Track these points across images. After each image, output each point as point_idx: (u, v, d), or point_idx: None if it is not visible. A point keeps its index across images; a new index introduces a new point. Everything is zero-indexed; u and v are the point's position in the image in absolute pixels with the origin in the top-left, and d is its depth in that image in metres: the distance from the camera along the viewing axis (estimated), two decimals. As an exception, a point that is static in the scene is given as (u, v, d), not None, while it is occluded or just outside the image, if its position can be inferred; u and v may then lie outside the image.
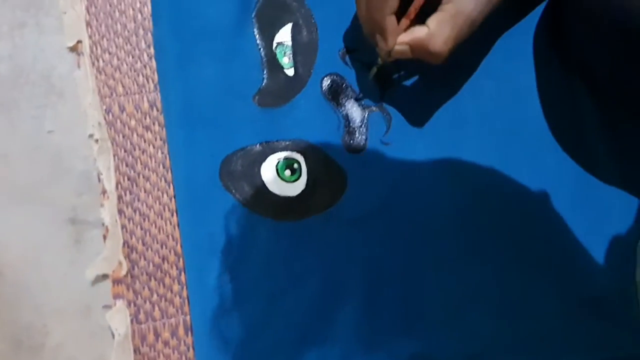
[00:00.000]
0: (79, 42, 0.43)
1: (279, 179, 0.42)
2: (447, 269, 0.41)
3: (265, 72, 0.43)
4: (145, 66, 0.44)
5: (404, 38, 0.37)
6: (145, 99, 0.43)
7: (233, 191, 0.41)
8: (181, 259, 0.42)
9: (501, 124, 0.43)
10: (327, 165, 0.42)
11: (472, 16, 0.36)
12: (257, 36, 0.43)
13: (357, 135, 0.43)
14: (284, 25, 0.43)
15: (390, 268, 0.41)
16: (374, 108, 0.43)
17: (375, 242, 0.41)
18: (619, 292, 0.41)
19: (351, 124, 0.43)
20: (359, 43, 0.43)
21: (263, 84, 0.43)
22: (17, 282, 0.40)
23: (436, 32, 0.36)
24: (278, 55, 0.43)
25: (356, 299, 0.41)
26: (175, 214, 0.42)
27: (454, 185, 0.42)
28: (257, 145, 0.42)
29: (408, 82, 0.43)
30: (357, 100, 0.43)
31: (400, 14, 0.37)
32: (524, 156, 0.42)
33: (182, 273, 0.41)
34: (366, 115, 0.43)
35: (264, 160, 0.42)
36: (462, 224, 0.42)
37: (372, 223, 0.41)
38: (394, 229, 0.41)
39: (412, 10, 0.37)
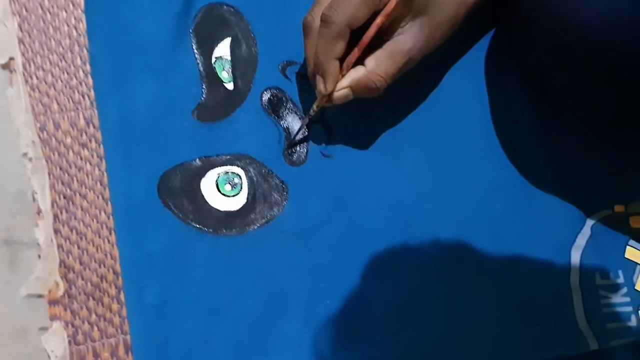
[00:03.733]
0: (11, 59, 0.42)
1: (219, 193, 0.42)
2: (388, 277, 0.41)
3: (204, 86, 0.43)
4: (81, 83, 0.43)
5: (345, 82, 0.38)
6: (81, 116, 0.43)
7: (172, 208, 0.41)
8: (120, 278, 0.41)
9: (439, 132, 0.43)
10: (268, 179, 0.42)
11: (411, 53, 0.38)
12: (196, 51, 0.43)
13: (297, 148, 0.43)
14: (222, 39, 0.43)
15: (331, 279, 0.41)
16: (314, 122, 0.43)
17: (317, 254, 0.41)
18: (555, 296, 0.42)
19: (291, 137, 0.43)
20: (299, 56, 0.43)
21: (202, 98, 0.42)
22: (-52, 306, 0.39)
23: (374, 69, 0.37)
24: (217, 70, 0.43)
25: (298, 311, 0.41)
26: (113, 232, 0.41)
27: (394, 195, 0.43)
28: (197, 160, 0.42)
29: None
30: (300, 117, 0.43)
31: (343, 59, 0.38)
32: (463, 164, 0.43)
33: (122, 292, 0.41)
34: (307, 129, 0.43)
35: (203, 175, 0.42)
36: (402, 231, 0.42)
37: (314, 235, 0.42)
38: (335, 240, 0.42)
39: (352, 57, 0.38)
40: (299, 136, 0.43)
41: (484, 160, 0.43)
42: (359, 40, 0.38)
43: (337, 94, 0.38)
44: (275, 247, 0.41)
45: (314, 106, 0.40)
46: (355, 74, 0.38)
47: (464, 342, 0.41)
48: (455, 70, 0.44)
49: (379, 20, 0.37)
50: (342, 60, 0.38)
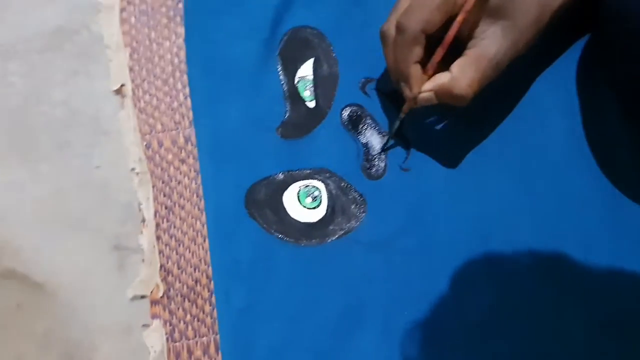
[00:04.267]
0: (123, 85, 0.48)
1: (300, 206, 0.43)
2: (467, 291, 0.41)
3: (287, 105, 0.45)
4: (181, 105, 0.48)
5: (428, 85, 0.38)
6: (181, 134, 0.47)
7: (257, 218, 0.43)
8: (212, 282, 0.44)
9: (523, 145, 0.43)
10: (346, 192, 0.43)
11: (496, 59, 0.37)
12: (281, 72, 0.46)
13: (376, 162, 0.44)
14: (305, 60, 0.46)
15: (408, 291, 0.42)
16: (393, 135, 0.44)
17: (394, 266, 0.42)
18: None
19: (370, 152, 0.44)
20: (378, 73, 0.45)
21: (286, 116, 0.45)
22: (69, 303, 0.45)
23: (459, 76, 0.37)
24: (300, 89, 0.45)
25: (375, 322, 0.41)
26: (206, 239, 0.45)
27: (474, 209, 0.42)
28: (280, 175, 0.44)
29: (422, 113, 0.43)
30: (379, 133, 0.44)
31: (425, 63, 0.38)
32: (548, 177, 0.42)
33: (213, 295, 0.44)
34: (385, 143, 0.44)
35: (286, 188, 0.43)
36: (481, 245, 0.42)
37: (390, 247, 0.42)
38: (412, 252, 0.42)
39: (436, 57, 0.38)
40: (385, 144, 0.44)
41: (572, 173, 0.42)
42: (439, 45, 0.38)
43: (422, 96, 0.38)
44: (353, 258, 0.42)
45: (403, 109, 0.40)
46: (440, 79, 0.38)
47: (547, 360, 0.40)
48: (542, 81, 0.43)
49: (460, 18, 0.37)
50: (425, 64, 0.38)
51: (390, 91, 0.43)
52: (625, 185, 0.41)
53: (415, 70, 0.38)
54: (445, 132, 0.43)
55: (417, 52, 0.37)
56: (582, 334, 0.40)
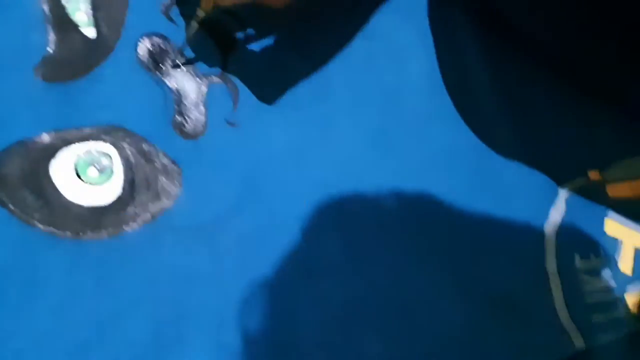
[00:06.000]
0: None
1: (79, 181, 0.35)
2: (322, 282, 0.37)
3: (51, 33, 0.36)
4: None
5: None
6: None
7: (9, 205, 0.34)
8: None
9: (376, 91, 0.39)
10: (151, 159, 0.36)
11: None
12: None
13: (192, 114, 0.37)
14: None
15: (246, 290, 0.36)
16: (214, 78, 0.37)
17: (224, 257, 0.36)
18: (530, 286, 0.38)
19: (183, 101, 0.37)
20: None
21: (49, 49, 0.36)
22: None
23: None
24: (69, 10, 0.36)
25: (202, 337, 0.35)
26: None
27: (322, 172, 0.38)
28: (44, 136, 0.35)
29: (257, 45, 0.38)
30: (187, 63, 0.37)
31: None
32: (408, 129, 0.39)
33: None
34: (204, 88, 0.37)
35: (53, 156, 0.35)
36: (335, 219, 0.37)
37: (219, 232, 0.36)
38: (248, 237, 0.36)
39: None
40: (195, 96, 0.36)
41: (433, 123, 0.39)
42: None
43: None
44: (166, 251, 0.35)
45: (202, 4, 0.34)
46: None
47: (435, 353, 0.37)
48: (391, 14, 0.40)
49: None
50: None
51: (209, 19, 0.36)
52: (493, 138, 0.39)
53: None
54: (281, 76, 0.38)
55: None
56: (460, 320, 0.37)
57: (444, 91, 0.40)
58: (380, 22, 0.39)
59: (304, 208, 0.37)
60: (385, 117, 0.39)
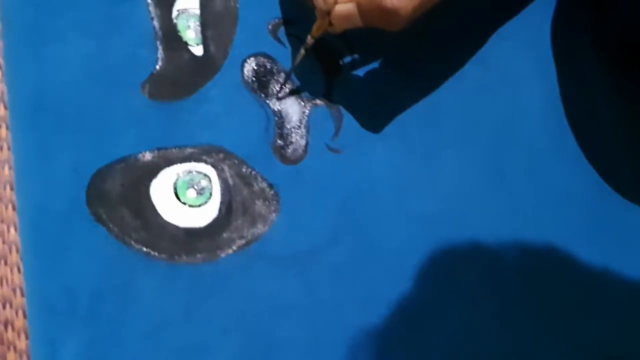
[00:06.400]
0: None
1: (178, 202, 0.33)
2: (423, 323, 0.34)
3: (160, 50, 0.35)
4: None
5: None
6: None
7: (108, 222, 0.33)
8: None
9: (491, 122, 0.37)
10: (250, 182, 0.34)
11: None
12: (150, 1, 0.35)
13: (293, 138, 0.35)
14: None
15: (341, 325, 0.33)
16: (317, 102, 0.36)
17: (319, 289, 0.34)
18: None
19: (286, 124, 0.35)
20: (299, 12, 0.36)
21: (157, 67, 0.35)
22: None
23: None
24: (180, 28, 0.35)
25: None
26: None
27: (426, 204, 0.35)
28: (146, 154, 0.33)
29: (363, 70, 0.37)
30: (292, 91, 0.36)
31: None
32: (522, 164, 0.36)
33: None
34: (307, 112, 0.35)
35: (155, 175, 0.33)
36: (438, 255, 0.35)
37: (314, 262, 0.34)
38: (344, 268, 0.34)
39: None
40: (296, 119, 0.35)
41: (551, 159, 0.36)
42: None
43: (339, 10, 0.31)
44: (258, 280, 0.33)
45: (312, 31, 0.33)
46: None
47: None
48: (508, 40, 0.38)
49: None
50: None
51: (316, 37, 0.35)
52: (619, 180, 0.36)
53: None
54: (387, 102, 0.36)
55: None
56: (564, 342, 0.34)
57: (564, 125, 0.37)
58: (496, 47, 0.37)
59: (403, 242, 0.34)
60: (497, 150, 0.36)
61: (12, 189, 0.32)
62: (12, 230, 0.32)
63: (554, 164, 0.36)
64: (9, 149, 0.32)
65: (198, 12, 0.35)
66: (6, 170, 0.32)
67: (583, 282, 0.36)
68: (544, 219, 0.36)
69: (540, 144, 0.36)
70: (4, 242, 0.31)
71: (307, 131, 0.35)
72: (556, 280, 0.35)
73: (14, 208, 0.32)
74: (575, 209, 0.36)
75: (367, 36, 0.33)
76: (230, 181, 0.34)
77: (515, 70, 0.37)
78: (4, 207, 0.32)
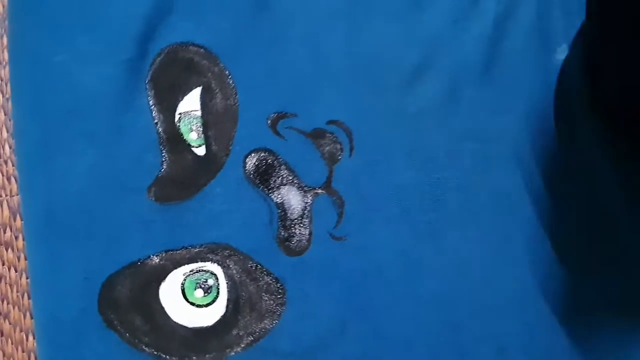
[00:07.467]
0: None
1: (186, 303, 0.33)
2: None
3: (164, 153, 0.34)
4: (6, 162, 0.34)
5: None
6: (5, 204, 0.34)
7: (119, 327, 0.32)
8: None
9: (492, 200, 0.35)
10: (256, 277, 0.33)
11: None
12: (153, 107, 0.34)
13: (297, 230, 0.34)
14: (190, 90, 0.35)
15: None
16: (318, 191, 0.34)
17: None
18: None
19: (288, 215, 0.34)
20: (296, 105, 0.35)
21: (162, 170, 0.34)
22: None
23: None
24: (182, 130, 0.34)
25: None
26: (40, 365, 0.32)
27: (437, 288, 0.34)
28: (154, 258, 0.33)
29: (363, 155, 0.35)
30: (293, 180, 0.34)
31: None
32: (529, 238, 0.34)
33: None
34: (309, 202, 0.34)
35: (163, 278, 0.33)
36: (451, 341, 0.33)
37: (323, 356, 0.33)
38: None
39: None
40: (299, 210, 0.34)
41: (562, 233, 0.34)
42: None
43: None
44: None
45: None
46: None
47: None
48: (506, 114, 0.36)
49: None
50: None
51: (313, 129, 0.35)
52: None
53: None
54: (390, 181, 0.35)
55: None
56: None
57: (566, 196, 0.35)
58: (495, 122, 0.35)
59: (412, 328, 0.33)
60: (505, 226, 0.34)
61: (29, 297, 0.33)
62: (30, 338, 0.32)
63: (559, 237, 0.34)
64: (25, 259, 0.33)
65: (199, 113, 0.35)
66: (23, 280, 0.33)
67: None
68: (551, 296, 0.34)
69: (545, 219, 0.34)
70: (23, 351, 0.32)
71: (310, 221, 0.34)
72: None
73: (32, 316, 0.32)
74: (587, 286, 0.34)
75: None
76: (237, 278, 0.33)
77: (515, 144, 0.35)
78: (22, 315, 0.33)
